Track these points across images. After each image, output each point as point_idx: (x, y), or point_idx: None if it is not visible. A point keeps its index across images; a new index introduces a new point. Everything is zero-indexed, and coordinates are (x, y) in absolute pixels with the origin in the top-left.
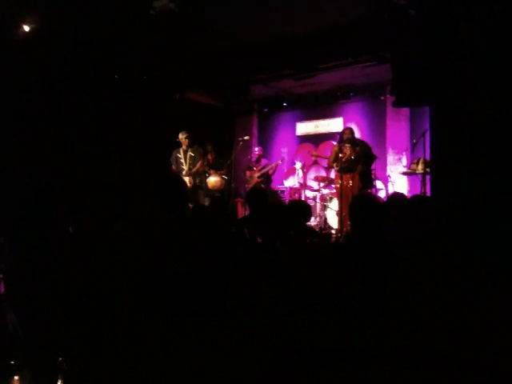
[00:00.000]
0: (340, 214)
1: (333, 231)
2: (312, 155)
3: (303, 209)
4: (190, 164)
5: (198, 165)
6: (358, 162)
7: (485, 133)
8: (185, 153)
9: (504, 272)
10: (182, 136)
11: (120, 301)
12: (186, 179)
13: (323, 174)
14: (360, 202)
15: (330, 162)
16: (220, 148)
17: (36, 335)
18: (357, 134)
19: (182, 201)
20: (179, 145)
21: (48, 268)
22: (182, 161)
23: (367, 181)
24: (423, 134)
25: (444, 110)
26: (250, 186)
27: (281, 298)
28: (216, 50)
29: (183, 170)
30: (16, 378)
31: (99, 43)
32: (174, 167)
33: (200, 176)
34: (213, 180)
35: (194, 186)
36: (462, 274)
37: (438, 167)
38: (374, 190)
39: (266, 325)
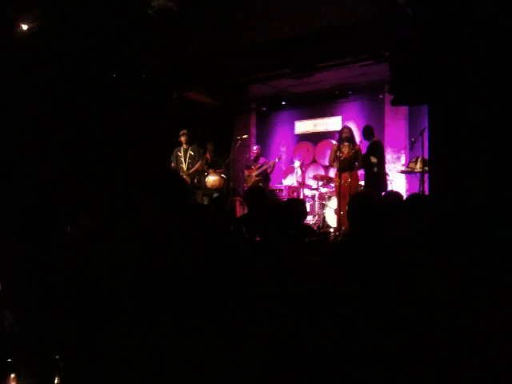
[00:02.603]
0: (338, 212)
1: (331, 230)
2: None
3: (299, 207)
4: (188, 163)
5: (197, 164)
6: (356, 161)
7: (484, 133)
8: (185, 151)
9: (504, 272)
10: (180, 134)
11: (120, 301)
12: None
13: (322, 172)
14: (358, 202)
15: (330, 160)
16: (219, 147)
17: (35, 335)
18: (358, 133)
19: (182, 200)
20: (180, 143)
21: (48, 268)
22: (182, 159)
23: (375, 181)
24: (421, 133)
25: (443, 110)
26: (249, 184)
27: (281, 298)
28: (215, 49)
29: (182, 168)
30: (12, 375)
31: (99, 43)
32: (173, 165)
33: (199, 175)
34: (212, 179)
35: (192, 185)
36: (461, 274)
37: (437, 166)
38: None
39: (265, 325)
